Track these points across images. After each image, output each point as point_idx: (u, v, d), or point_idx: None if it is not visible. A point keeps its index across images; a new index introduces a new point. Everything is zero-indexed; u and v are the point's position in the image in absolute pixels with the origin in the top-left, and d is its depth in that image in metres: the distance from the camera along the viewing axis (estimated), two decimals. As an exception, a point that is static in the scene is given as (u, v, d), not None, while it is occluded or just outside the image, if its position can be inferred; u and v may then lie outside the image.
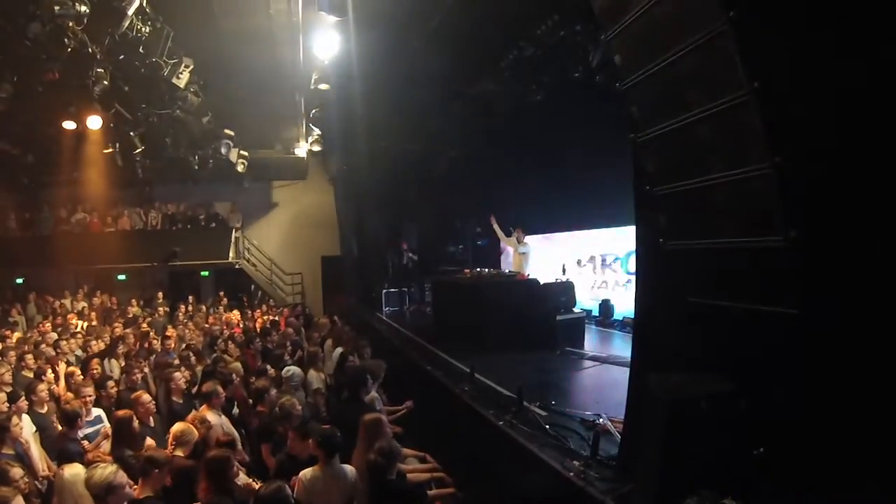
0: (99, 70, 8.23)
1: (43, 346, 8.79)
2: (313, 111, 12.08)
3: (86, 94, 8.91)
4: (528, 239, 10.12)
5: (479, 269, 9.45)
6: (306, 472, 3.80)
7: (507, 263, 11.39)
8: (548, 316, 7.77)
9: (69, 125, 10.87)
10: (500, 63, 8.53)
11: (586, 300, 9.37)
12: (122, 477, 3.47)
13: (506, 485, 4.69)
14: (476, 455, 5.00)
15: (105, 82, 8.41)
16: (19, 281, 16.95)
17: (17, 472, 3.76)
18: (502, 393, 5.52)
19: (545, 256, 10.83)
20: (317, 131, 13.22)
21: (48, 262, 16.00)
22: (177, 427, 4.39)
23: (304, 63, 9.93)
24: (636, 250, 3.75)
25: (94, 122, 10.58)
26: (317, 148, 14.04)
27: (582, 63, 8.09)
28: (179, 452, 4.11)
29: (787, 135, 2.30)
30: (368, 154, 12.96)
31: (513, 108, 9.98)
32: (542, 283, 8.53)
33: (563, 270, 9.37)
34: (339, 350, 7.42)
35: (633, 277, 9.10)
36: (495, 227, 10.49)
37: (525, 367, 6.62)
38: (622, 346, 7.66)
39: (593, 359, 7.06)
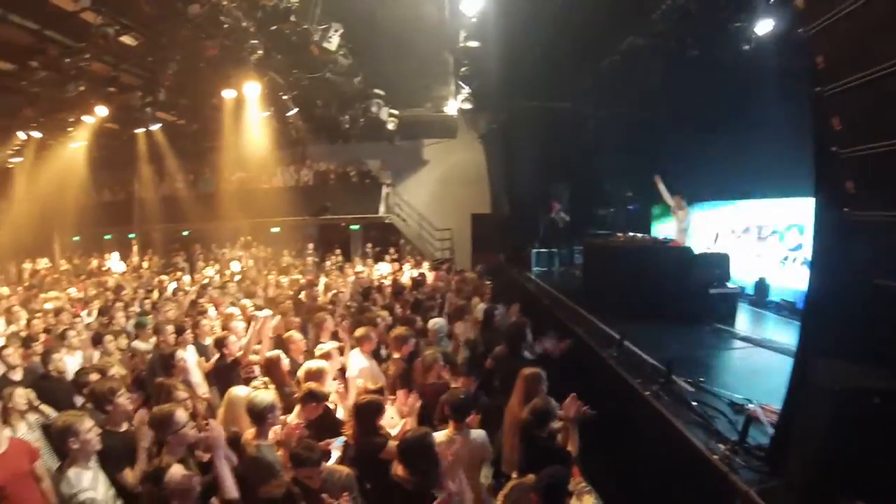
0: (253, 42, 8.88)
1: (209, 288, 10.08)
2: (462, 69, 12.10)
3: (242, 65, 9.71)
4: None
5: (632, 234, 9.17)
6: (438, 435, 3.91)
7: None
8: (700, 288, 7.31)
9: (229, 94, 11.91)
10: (651, 15, 7.95)
11: (738, 275, 8.61)
12: (277, 402, 3.92)
13: (645, 456, 4.56)
14: (617, 422, 4.87)
15: (260, 52, 9.05)
16: (185, 233, 19.67)
17: (181, 393, 4.33)
18: (650, 363, 5.38)
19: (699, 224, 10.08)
20: (466, 89, 13.24)
21: (210, 217, 18.02)
22: (309, 365, 4.76)
23: (452, 20, 9.91)
24: (815, 221, 3.26)
25: (252, 90, 11.48)
26: (467, 106, 14.09)
27: (745, 12, 7.31)
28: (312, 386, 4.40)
29: None
30: (518, 112, 12.86)
31: (666, 65, 9.25)
32: (695, 252, 8.01)
33: (716, 239, 8.66)
34: (483, 306, 7.51)
35: (794, 254, 8.30)
36: (660, 186, 10.00)
37: (673, 340, 6.34)
38: (777, 330, 7.02)
39: (745, 340, 6.52)
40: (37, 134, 13.79)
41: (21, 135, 13.65)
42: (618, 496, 4.16)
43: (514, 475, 3.78)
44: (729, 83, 9.04)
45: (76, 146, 15.65)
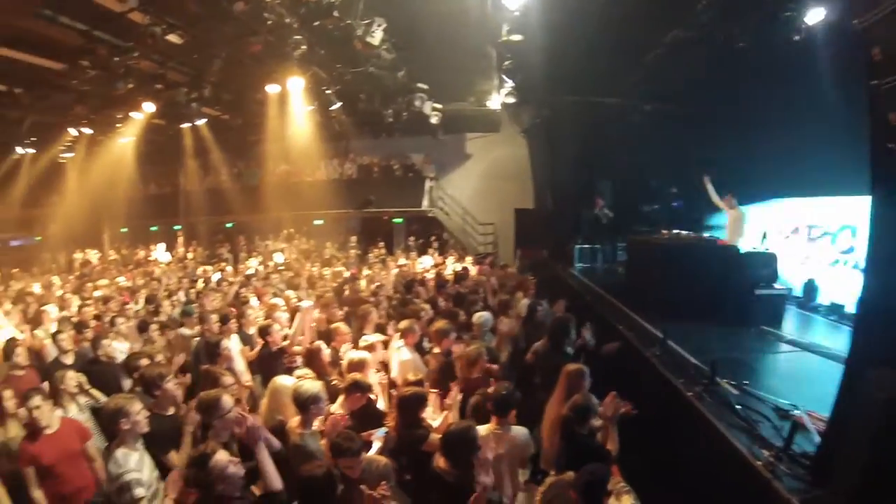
0: (297, 37, 8.99)
1: (253, 279, 10.32)
2: (505, 63, 12.03)
3: (286, 61, 9.87)
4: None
5: (676, 231, 9.00)
6: (480, 429, 3.87)
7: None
8: (746, 288, 7.08)
9: (272, 89, 12.10)
10: (696, 5, 7.72)
11: (786, 276, 8.30)
12: (324, 393, 3.97)
13: (685, 459, 4.48)
14: (658, 422, 4.79)
15: (303, 47, 9.15)
16: (229, 225, 20.17)
17: (227, 379, 4.46)
18: (693, 363, 5.30)
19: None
20: (509, 83, 13.15)
21: (254, 209, 18.43)
22: (352, 355, 4.83)
23: (494, 14, 9.88)
24: (870, 221, 3.12)
25: (295, 85, 11.62)
26: (510, 100, 13.97)
27: (795, 0, 7.03)
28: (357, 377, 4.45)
29: None
30: (561, 107, 12.70)
31: (712, 58, 8.97)
32: (742, 251, 7.79)
33: (764, 239, 8.37)
34: (526, 301, 7.46)
35: (844, 257, 7.96)
36: (709, 187, 9.76)
37: (717, 340, 6.22)
38: (825, 335, 6.77)
39: (791, 343, 6.32)
40: (87, 130, 14.27)
41: (72, 131, 14.14)
42: (656, 498, 4.06)
43: (552, 472, 3.75)
44: (778, 76, 8.73)
45: (124, 141, 16.20)
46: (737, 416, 4.01)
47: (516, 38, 9.90)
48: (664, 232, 9.32)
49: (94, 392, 4.96)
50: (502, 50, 11.50)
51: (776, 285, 7.37)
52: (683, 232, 9.07)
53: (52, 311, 7.86)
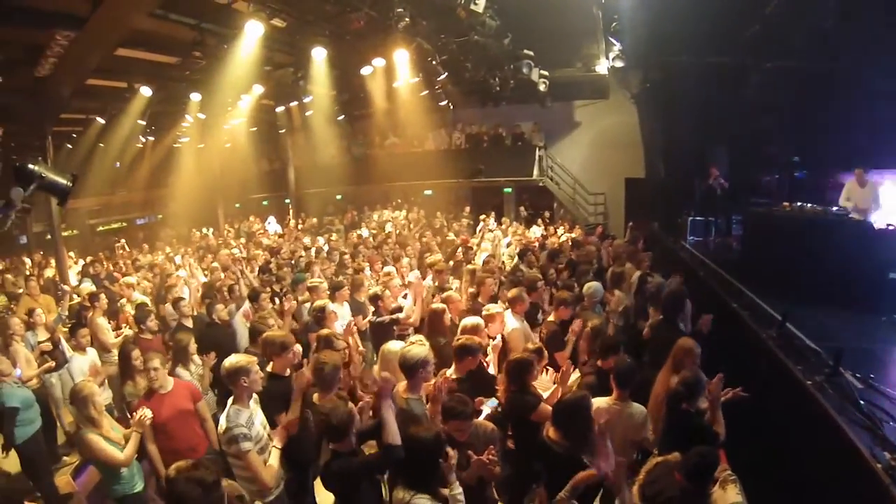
0: (399, 10, 9.11)
1: (361, 247, 10.72)
2: (612, 24, 11.57)
3: (389, 34, 10.06)
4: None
5: (799, 204, 8.41)
6: (599, 401, 3.91)
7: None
8: (879, 270, 6.45)
9: (378, 62, 12.41)
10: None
11: None
12: (430, 357, 4.11)
13: (796, 450, 4.33)
14: (769, 409, 4.65)
15: (406, 20, 9.26)
16: (338, 197, 21.14)
17: (340, 343, 4.86)
18: (814, 350, 4.97)
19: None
20: (617, 46, 12.63)
21: (363, 181, 19.31)
22: (466, 321, 5.03)
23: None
24: None
25: (400, 57, 11.84)
26: (618, 64, 13.44)
27: None
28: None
29: None
30: (673, 69, 12.10)
31: (844, 6, 8.02)
32: (876, 228, 7.10)
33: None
34: (638, 274, 7.39)
35: None
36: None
37: (842, 327, 5.77)
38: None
39: (925, 339, 5.69)
40: (201, 115, 15.11)
41: (188, 117, 15.11)
42: (761, 489, 3.81)
43: (655, 451, 3.70)
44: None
45: (236, 122, 17.26)
46: (859, 411, 3.79)
47: (623, -6, 9.53)
48: (786, 204, 8.66)
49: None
50: (608, 10, 11.13)
51: (914, 270, 6.68)
52: (808, 205, 8.41)
53: (182, 274, 8.74)
